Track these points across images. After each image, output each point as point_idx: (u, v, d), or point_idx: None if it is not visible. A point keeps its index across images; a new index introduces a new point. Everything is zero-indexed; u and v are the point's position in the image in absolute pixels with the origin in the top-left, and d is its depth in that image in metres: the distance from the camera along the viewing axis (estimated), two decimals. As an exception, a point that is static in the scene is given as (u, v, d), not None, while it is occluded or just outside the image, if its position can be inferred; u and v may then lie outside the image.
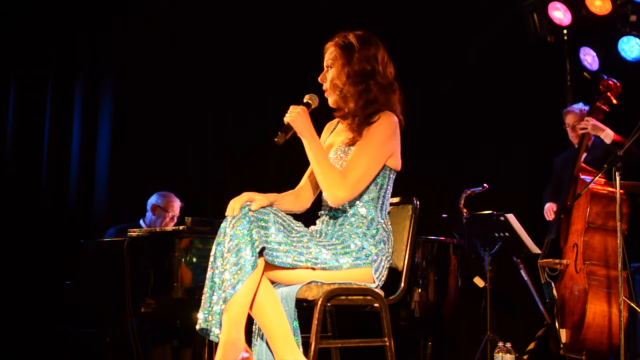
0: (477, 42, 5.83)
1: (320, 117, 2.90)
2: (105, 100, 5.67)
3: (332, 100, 2.82)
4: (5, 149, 5.32)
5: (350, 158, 2.68)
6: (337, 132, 2.90)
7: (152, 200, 5.07)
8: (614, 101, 4.63)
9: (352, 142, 2.73)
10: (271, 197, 2.65)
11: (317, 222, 2.82)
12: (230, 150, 5.96)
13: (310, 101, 2.77)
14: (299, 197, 2.87)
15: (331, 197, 2.65)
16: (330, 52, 2.81)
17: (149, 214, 5.05)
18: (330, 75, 2.80)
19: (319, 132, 2.90)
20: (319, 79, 2.84)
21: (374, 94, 2.74)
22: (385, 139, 2.69)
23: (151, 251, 3.68)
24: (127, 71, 5.73)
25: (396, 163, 2.77)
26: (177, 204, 5.09)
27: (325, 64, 2.83)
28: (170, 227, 3.64)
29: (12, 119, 5.35)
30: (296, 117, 2.67)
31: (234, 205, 2.54)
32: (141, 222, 5.07)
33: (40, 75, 5.48)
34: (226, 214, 2.54)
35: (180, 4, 5.93)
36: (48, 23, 5.47)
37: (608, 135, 4.52)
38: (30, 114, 5.43)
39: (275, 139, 2.68)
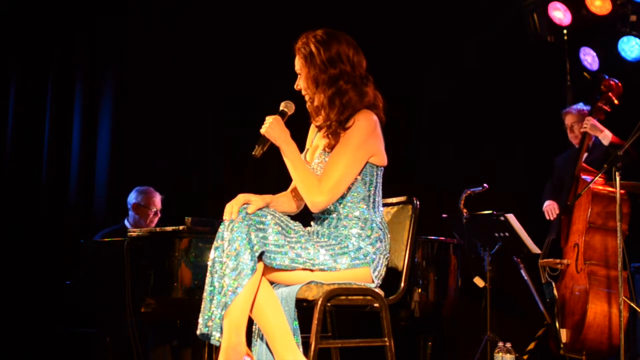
0: (477, 42, 5.83)
1: (308, 117, 2.89)
2: (105, 100, 5.67)
3: (309, 106, 2.81)
4: (5, 149, 5.32)
5: (327, 162, 2.68)
6: (320, 136, 2.88)
7: (132, 199, 5.03)
8: (615, 101, 4.63)
9: (331, 147, 2.71)
10: (267, 198, 2.66)
11: (312, 222, 2.81)
12: (230, 150, 5.96)
13: (285, 109, 2.76)
14: (293, 198, 2.87)
15: (310, 203, 2.65)
16: (297, 60, 2.79)
17: (131, 214, 5.02)
18: (303, 81, 2.77)
19: (305, 132, 2.91)
20: (295, 86, 2.81)
21: (347, 96, 2.70)
22: (361, 141, 2.66)
23: (151, 251, 3.68)
24: (127, 71, 5.73)
25: (381, 160, 2.74)
26: (157, 199, 5.04)
27: (296, 71, 2.81)
28: (170, 227, 3.63)
29: (12, 119, 5.35)
30: (270, 127, 2.67)
31: (231, 209, 2.54)
32: (125, 222, 5.04)
33: (40, 75, 5.48)
34: (224, 217, 2.54)
35: (181, 3, 5.93)
36: (48, 23, 5.47)
37: (606, 136, 4.52)
38: (30, 114, 5.43)
39: (253, 153, 2.69)
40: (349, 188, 2.70)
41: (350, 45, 2.76)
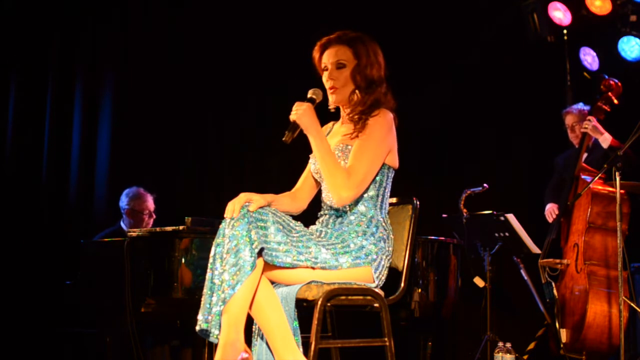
0: (477, 42, 5.83)
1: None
2: (105, 100, 5.67)
3: (336, 99, 2.81)
4: (5, 149, 5.32)
5: (351, 157, 2.67)
6: (332, 135, 2.89)
7: (124, 204, 4.97)
8: (615, 101, 4.63)
9: (351, 138, 2.72)
10: (268, 197, 2.66)
11: (317, 222, 2.82)
12: (230, 150, 5.96)
13: (314, 96, 2.74)
14: (296, 199, 2.87)
15: (337, 197, 2.64)
16: (339, 51, 2.78)
17: (126, 218, 4.99)
18: (343, 75, 2.77)
19: None
20: (328, 77, 2.79)
21: (382, 98, 2.77)
22: (384, 135, 2.70)
23: (151, 251, 3.68)
24: (127, 71, 5.73)
25: (394, 160, 2.77)
26: (149, 201, 5.00)
27: (329, 61, 2.79)
28: (170, 227, 3.63)
29: (12, 119, 5.35)
30: (302, 114, 2.66)
31: (233, 207, 2.54)
32: (121, 223, 5.01)
33: (40, 75, 5.48)
34: (225, 215, 2.54)
35: (181, 3, 5.93)
36: (48, 22, 5.47)
37: (606, 139, 4.52)
38: (30, 114, 5.43)
39: (283, 139, 2.67)
40: None
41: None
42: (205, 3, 5.91)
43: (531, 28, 5.70)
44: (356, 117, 2.75)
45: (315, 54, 2.85)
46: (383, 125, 2.70)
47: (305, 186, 2.91)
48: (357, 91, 2.77)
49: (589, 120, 4.59)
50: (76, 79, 5.60)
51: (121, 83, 5.71)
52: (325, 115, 2.89)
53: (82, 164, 5.56)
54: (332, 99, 2.81)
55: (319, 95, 2.76)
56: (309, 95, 2.74)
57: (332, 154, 2.68)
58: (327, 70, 2.80)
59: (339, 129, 2.87)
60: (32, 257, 5.20)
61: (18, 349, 5.02)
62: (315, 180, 2.89)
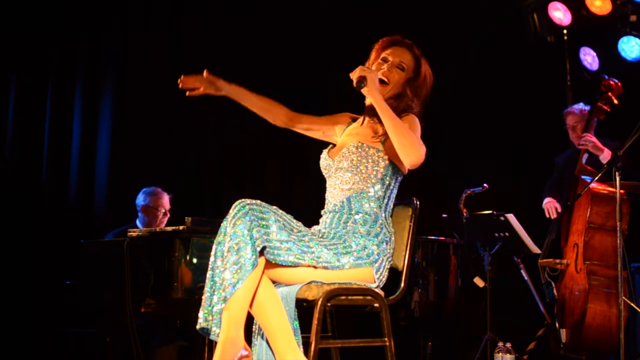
0: (477, 42, 5.84)
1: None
2: (105, 100, 5.67)
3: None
4: (5, 148, 5.31)
5: (412, 133, 2.70)
6: (348, 133, 2.92)
7: (140, 201, 5.03)
8: (615, 101, 4.64)
9: (374, 140, 2.79)
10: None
11: (320, 220, 2.83)
12: (230, 151, 5.95)
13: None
14: (279, 113, 3.00)
15: (414, 154, 2.64)
16: (407, 55, 2.90)
17: (141, 215, 5.03)
18: (399, 74, 2.87)
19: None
20: (386, 68, 2.86)
21: (414, 110, 2.87)
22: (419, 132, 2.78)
23: (151, 251, 3.68)
24: (127, 71, 5.73)
25: (404, 167, 2.81)
26: (166, 199, 5.05)
27: (393, 58, 2.88)
28: (170, 227, 3.63)
29: (12, 119, 5.35)
30: (372, 76, 2.72)
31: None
32: (137, 222, 5.06)
33: (40, 75, 5.48)
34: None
35: (180, 4, 5.93)
36: (48, 23, 5.46)
37: (605, 158, 4.53)
38: (30, 114, 5.42)
39: (354, 85, 2.71)
40: (368, 184, 2.75)
41: None
42: (205, 3, 5.91)
43: (531, 28, 5.71)
44: (393, 102, 2.82)
45: (381, 44, 2.94)
46: (418, 124, 2.78)
47: (302, 118, 2.99)
48: (398, 97, 2.85)
49: (587, 138, 4.59)
50: (76, 79, 5.59)
51: (121, 83, 5.71)
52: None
53: (82, 164, 5.56)
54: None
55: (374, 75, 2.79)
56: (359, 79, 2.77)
57: (395, 116, 2.70)
58: (386, 62, 2.89)
59: (359, 129, 2.90)
60: (32, 257, 5.19)
61: (18, 349, 5.02)
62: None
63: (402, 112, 2.81)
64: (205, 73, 2.68)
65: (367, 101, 2.90)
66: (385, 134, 2.74)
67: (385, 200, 2.78)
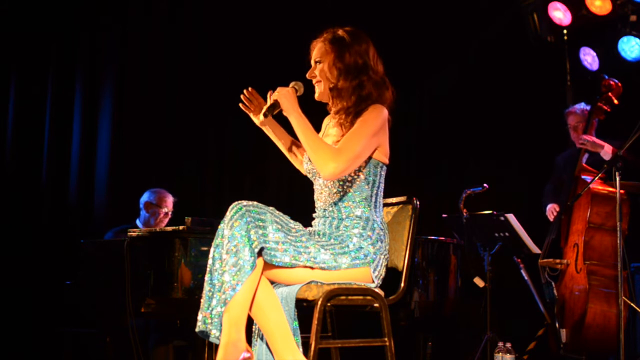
0: (477, 42, 5.84)
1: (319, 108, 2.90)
2: (105, 100, 5.67)
3: (317, 92, 2.84)
4: (5, 148, 5.32)
5: (346, 137, 2.66)
6: (326, 134, 2.89)
7: (145, 197, 5.06)
8: (615, 101, 4.63)
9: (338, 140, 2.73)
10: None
11: (313, 223, 2.82)
12: (230, 151, 5.95)
13: (296, 87, 2.80)
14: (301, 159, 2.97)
15: (324, 169, 2.62)
16: (319, 48, 2.83)
17: (142, 212, 5.04)
18: (320, 68, 2.81)
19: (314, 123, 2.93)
20: (308, 75, 2.85)
21: (367, 90, 2.74)
22: (377, 127, 2.69)
23: (151, 251, 3.68)
24: (127, 71, 5.73)
25: (385, 154, 2.76)
26: (169, 200, 5.07)
27: (313, 60, 2.84)
28: (170, 227, 3.63)
29: (12, 118, 5.35)
30: (284, 94, 2.71)
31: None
32: (137, 222, 5.06)
33: (40, 74, 5.48)
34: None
35: (180, 4, 5.93)
36: (48, 22, 5.46)
37: (607, 153, 4.53)
38: (30, 113, 5.42)
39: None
40: (353, 186, 2.71)
41: (374, 48, 2.83)
42: (205, 3, 5.91)
43: (531, 28, 5.71)
44: (343, 116, 2.75)
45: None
46: (377, 118, 2.69)
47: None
48: (339, 92, 2.77)
49: (585, 138, 4.58)
50: (76, 79, 5.59)
51: (121, 83, 5.71)
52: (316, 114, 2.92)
53: (82, 164, 5.56)
54: (316, 93, 2.86)
55: (300, 88, 2.80)
56: (290, 85, 2.80)
57: (313, 132, 2.69)
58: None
59: (330, 130, 2.88)
60: (32, 257, 5.20)
61: (18, 349, 5.02)
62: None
63: (359, 102, 2.73)
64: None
65: (317, 97, 2.87)
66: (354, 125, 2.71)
67: (374, 198, 2.75)
